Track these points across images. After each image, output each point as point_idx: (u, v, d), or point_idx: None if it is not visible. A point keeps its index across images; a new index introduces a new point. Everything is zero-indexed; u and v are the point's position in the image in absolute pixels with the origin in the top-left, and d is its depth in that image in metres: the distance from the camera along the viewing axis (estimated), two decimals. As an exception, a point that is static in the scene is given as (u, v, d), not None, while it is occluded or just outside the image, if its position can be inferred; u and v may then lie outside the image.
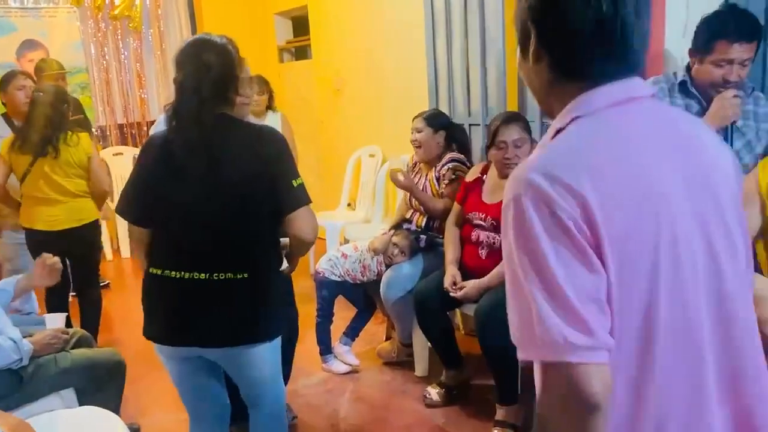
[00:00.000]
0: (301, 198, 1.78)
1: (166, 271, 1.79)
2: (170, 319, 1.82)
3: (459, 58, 3.43)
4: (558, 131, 0.94)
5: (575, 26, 0.91)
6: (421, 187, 3.19)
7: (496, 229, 2.74)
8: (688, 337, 0.90)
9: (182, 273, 1.77)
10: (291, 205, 1.77)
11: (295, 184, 1.77)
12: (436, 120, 3.20)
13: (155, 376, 2.83)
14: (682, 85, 2.15)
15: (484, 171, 2.91)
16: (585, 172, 0.85)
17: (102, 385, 2.35)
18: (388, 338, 3.48)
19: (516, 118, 2.77)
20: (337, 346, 3.31)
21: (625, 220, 0.85)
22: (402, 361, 3.28)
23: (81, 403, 2.27)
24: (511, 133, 2.68)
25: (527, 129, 2.74)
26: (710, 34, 2.02)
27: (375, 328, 3.60)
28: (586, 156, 0.88)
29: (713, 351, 0.92)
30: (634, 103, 0.93)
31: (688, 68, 2.16)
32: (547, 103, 1.00)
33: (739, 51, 1.99)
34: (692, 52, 2.12)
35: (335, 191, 5.06)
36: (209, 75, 1.74)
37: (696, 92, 2.13)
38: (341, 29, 5.00)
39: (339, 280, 3.22)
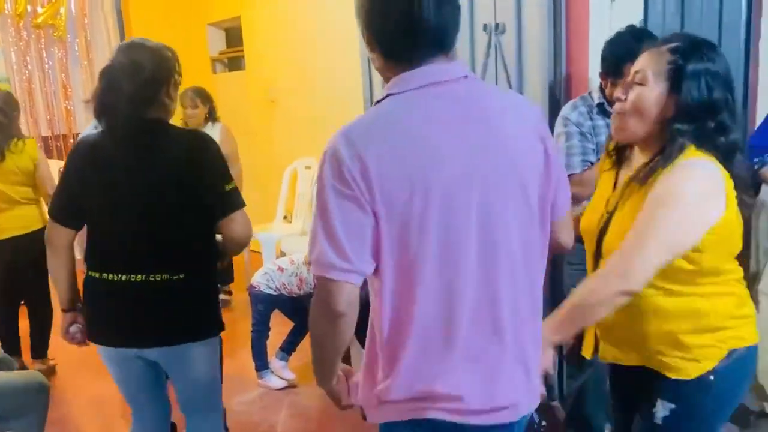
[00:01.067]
0: (234, 202, 1.79)
1: (104, 274, 1.80)
2: (110, 320, 1.84)
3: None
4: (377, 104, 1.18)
5: (384, 19, 1.14)
6: None
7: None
8: (450, 273, 1.13)
9: (119, 276, 1.78)
10: (224, 210, 1.78)
11: (227, 188, 1.78)
12: None
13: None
14: (600, 106, 2.26)
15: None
16: (372, 139, 1.10)
17: (23, 410, 2.23)
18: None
19: None
20: (274, 361, 3.25)
21: (397, 178, 1.08)
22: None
23: (-1, 430, 2.15)
24: None
25: None
26: (617, 58, 2.08)
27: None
28: (377, 126, 1.12)
29: (474, 287, 1.14)
30: (440, 85, 1.14)
31: (602, 89, 2.24)
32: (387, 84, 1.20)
33: None
34: (603, 75, 2.19)
35: (271, 204, 5.00)
36: (137, 74, 1.73)
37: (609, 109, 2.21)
38: (275, 40, 4.97)
39: (275, 293, 3.17)
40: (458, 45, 3.05)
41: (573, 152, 2.24)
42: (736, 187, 1.40)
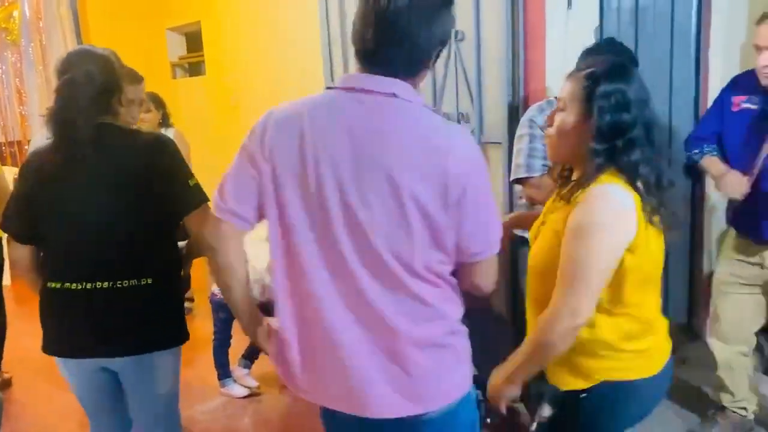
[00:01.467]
0: (199, 196, 1.78)
1: (66, 284, 1.75)
2: (73, 331, 1.79)
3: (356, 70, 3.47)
4: None
5: (352, 32, 1.30)
6: None
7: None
8: (325, 237, 1.27)
9: (83, 284, 1.74)
10: (188, 205, 1.77)
11: (191, 183, 1.78)
12: None
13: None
14: None
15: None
16: (282, 111, 1.32)
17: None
18: (289, 358, 3.42)
19: None
20: (236, 369, 3.22)
21: (285, 151, 1.27)
22: (304, 381, 3.23)
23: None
24: None
25: None
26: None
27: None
28: (294, 104, 1.32)
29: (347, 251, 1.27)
30: (364, 93, 1.26)
31: None
32: None
33: None
34: None
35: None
36: (91, 85, 1.72)
37: None
38: (236, 45, 4.94)
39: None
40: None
41: (535, 155, 2.25)
42: (649, 209, 1.42)
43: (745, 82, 2.36)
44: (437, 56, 1.32)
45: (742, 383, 2.56)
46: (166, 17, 5.80)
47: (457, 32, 2.86)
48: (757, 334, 2.57)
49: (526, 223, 1.84)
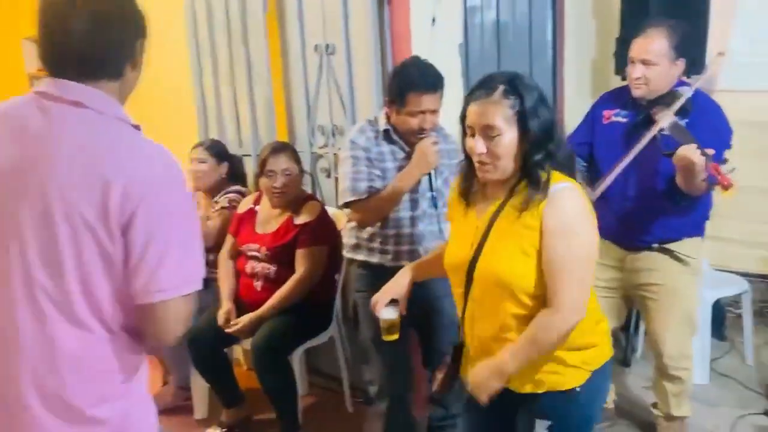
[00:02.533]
0: None
1: None
2: None
3: (227, 88, 3.39)
4: None
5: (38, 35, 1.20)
6: None
7: (271, 260, 2.72)
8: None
9: None
10: None
11: None
12: (219, 151, 3.14)
13: None
14: (386, 132, 2.28)
15: (257, 202, 2.89)
16: None
17: None
18: (165, 383, 3.27)
19: (284, 147, 2.81)
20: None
21: None
22: (180, 406, 3.09)
23: None
24: (280, 163, 2.70)
25: (296, 159, 2.78)
26: (401, 87, 2.17)
27: (151, 375, 3.33)
28: None
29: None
30: (47, 97, 1.16)
31: (387, 116, 2.28)
32: None
33: (428, 101, 2.17)
34: (389, 103, 2.24)
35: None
36: None
37: (399, 139, 2.28)
38: (101, 57, 4.67)
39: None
40: (291, 65, 3.09)
41: (360, 178, 2.23)
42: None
43: (614, 96, 2.50)
44: (135, 54, 1.25)
45: None
46: (22, 26, 5.40)
47: (327, 45, 2.87)
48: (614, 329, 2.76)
49: (425, 274, 1.86)
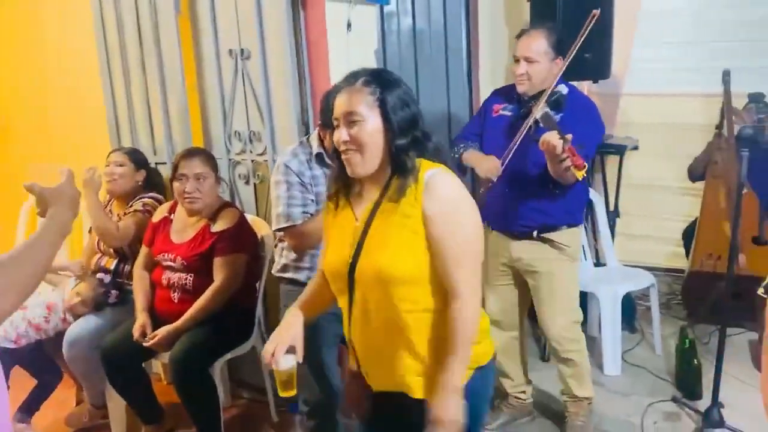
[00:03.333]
0: None
1: None
2: None
3: (139, 95, 3.28)
4: None
5: None
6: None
7: (187, 269, 2.65)
8: None
9: None
10: None
11: None
12: (138, 158, 3.05)
13: None
14: (319, 156, 2.29)
15: (172, 210, 2.80)
16: None
17: None
18: (79, 402, 3.12)
19: (198, 151, 2.75)
20: (13, 424, 2.86)
21: None
22: (96, 425, 2.96)
23: None
24: (193, 167, 2.63)
25: (212, 164, 2.72)
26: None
27: (65, 394, 3.19)
28: None
29: None
30: None
31: (320, 139, 2.28)
32: None
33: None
34: (321, 127, 2.25)
35: (7, 242, 4.42)
36: None
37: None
38: (3, 66, 4.43)
39: (15, 346, 2.80)
40: (206, 70, 3.02)
41: (294, 203, 2.23)
42: None
43: (503, 93, 2.67)
44: None
45: (517, 368, 2.83)
46: None
47: (242, 50, 2.83)
48: (532, 322, 2.85)
49: (314, 311, 1.75)
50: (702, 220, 3.77)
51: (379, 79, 1.51)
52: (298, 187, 2.24)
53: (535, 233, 2.55)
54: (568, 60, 2.45)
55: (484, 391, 1.66)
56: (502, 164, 2.42)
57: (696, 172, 3.93)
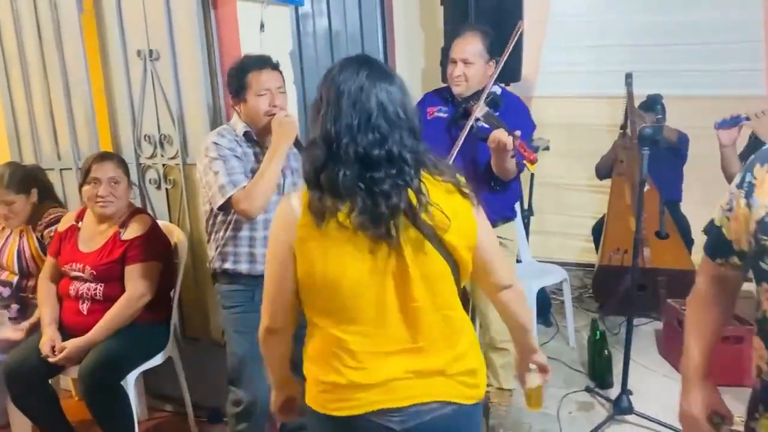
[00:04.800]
0: None
1: None
2: None
3: (41, 102, 3.12)
4: None
5: None
6: (8, 250, 2.81)
7: (97, 279, 2.54)
8: None
9: None
10: None
11: None
12: (20, 179, 2.76)
13: None
14: (247, 134, 2.28)
15: (79, 218, 2.67)
16: None
17: None
18: (-21, 425, 2.93)
19: (110, 156, 2.64)
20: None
21: None
22: (-1, 449, 2.79)
23: None
24: (106, 170, 2.53)
25: (124, 168, 2.62)
26: (239, 73, 2.23)
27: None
28: None
29: None
30: None
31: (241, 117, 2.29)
32: None
33: (270, 78, 2.23)
34: (235, 100, 2.28)
35: None
36: None
37: (256, 137, 2.29)
38: None
39: None
40: (113, 72, 2.91)
41: (235, 171, 2.19)
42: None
43: (437, 95, 2.73)
44: None
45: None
46: None
47: (151, 51, 2.74)
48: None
49: None
50: (609, 217, 3.95)
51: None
52: (235, 160, 2.20)
53: None
54: (500, 67, 2.54)
55: None
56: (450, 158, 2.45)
57: (603, 171, 4.13)
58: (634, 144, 3.75)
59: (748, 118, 2.78)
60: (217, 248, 2.33)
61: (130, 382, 2.55)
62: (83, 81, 2.95)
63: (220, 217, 2.31)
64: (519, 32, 2.58)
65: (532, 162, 2.28)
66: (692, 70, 4.15)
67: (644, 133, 2.73)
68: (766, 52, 3.65)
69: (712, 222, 1.36)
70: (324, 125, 1.33)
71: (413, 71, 4.04)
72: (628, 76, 3.92)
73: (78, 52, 2.92)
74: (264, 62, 2.24)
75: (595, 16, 4.36)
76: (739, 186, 1.27)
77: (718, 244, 1.34)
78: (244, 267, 2.30)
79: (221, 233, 2.32)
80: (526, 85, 4.16)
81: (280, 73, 2.30)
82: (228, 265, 2.31)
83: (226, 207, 2.20)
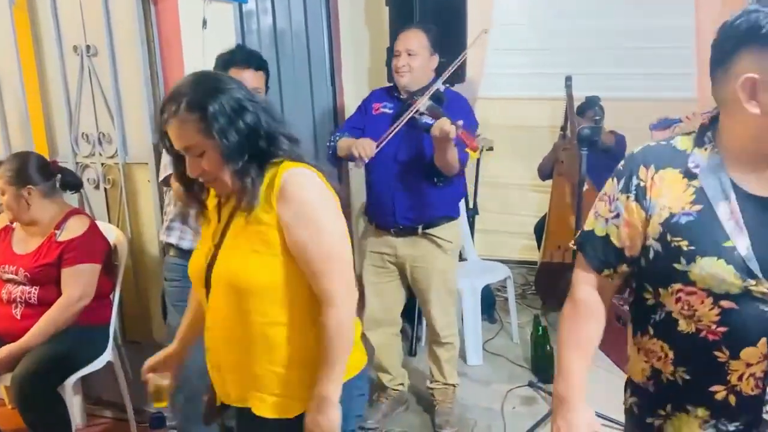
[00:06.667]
0: None
1: None
2: None
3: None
4: None
5: None
6: None
7: (31, 282, 2.45)
8: None
9: None
10: None
11: None
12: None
13: None
14: None
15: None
16: None
17: None
18: None
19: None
20: None
21: None
22: (-74, 462, 2.66)
23: None
24: None
25: (10, 176, 2.47)
26: (226, 62, 2.24)
27: None
28: None
29: None
30: None
31: None
32: None
33: (251, 78, 2.22)
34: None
35: None
36: None
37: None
38: None
39: None
40: (48, 68, 2.81)
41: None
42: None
43: (383, 92, 2.78)
44: None
45: (395, 362, 2.92)
46: None
47: (89, 47, 2.65)
48: (402, 318, 2.93)
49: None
50: (551, 215, 4.05)
51: (200, 98, 1.33)
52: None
53: (420, 229, 2.65)
54: (450, 71, 2.63)
55: (354, 402, 1.52)
56: (377, 147, 2.45)
57: (545, 171, 4.22)
58: (573, 144, 3.85)
59: (680, 120, 2.91)
60: (165, 221, 2.38)
61: (68, 388, 2.47)
62: (16, 78, 2.84)
63: (170, 192, 2.33)
64: (480, 36, 2.71)
65: (474, 149, 2.30)
66: (628, 73, 4.30)
67: (582, 133, 2.81)
68: (697, 57, 3.81)
69: (590, 233, 1.28)
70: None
71: (359, 70, 4.04)
72: (568, 79, 4.02)
73: (10, 48, 2.80)
74: (249, 62, 2.25)
75: (537, 21, 4.47)
76: (624, 190, 1.21)
77: (606, 254, 1.26)
78: (186, 244, 2.32)
79: (170, 206, 2.36)
80: (471, 87, 4.21)
81: (264, 72, 2.31)
82: (173, 240, 2.34)
83: (167, 183, 2.24)
